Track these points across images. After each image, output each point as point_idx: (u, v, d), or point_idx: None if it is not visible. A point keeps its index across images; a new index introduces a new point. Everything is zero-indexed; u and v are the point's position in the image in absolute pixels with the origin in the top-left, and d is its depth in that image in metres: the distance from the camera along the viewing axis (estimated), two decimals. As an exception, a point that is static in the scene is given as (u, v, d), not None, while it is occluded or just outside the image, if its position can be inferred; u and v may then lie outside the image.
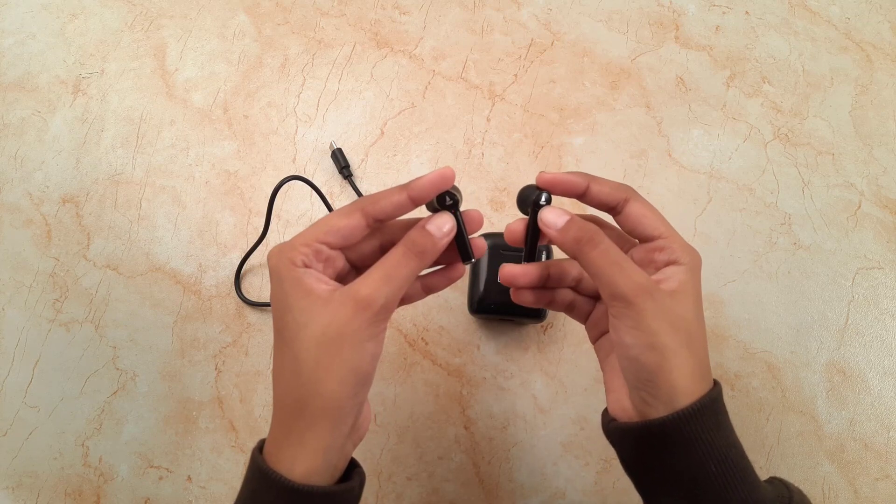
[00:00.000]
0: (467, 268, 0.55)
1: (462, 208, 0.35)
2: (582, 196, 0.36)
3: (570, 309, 0.41)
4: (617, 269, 0.32)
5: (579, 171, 0.37)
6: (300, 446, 0.32)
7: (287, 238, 0.61)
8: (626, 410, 0.35)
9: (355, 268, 0.37)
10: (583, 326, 0.41)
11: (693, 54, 0.66)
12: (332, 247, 0.33)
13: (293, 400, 0.32)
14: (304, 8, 0.69)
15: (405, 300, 0.38)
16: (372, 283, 0.32)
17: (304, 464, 0.32)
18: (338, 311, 0.31)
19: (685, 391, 0.32)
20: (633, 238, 0.37)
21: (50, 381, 0.58)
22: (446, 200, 0.34)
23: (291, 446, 0.32)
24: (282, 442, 0.33)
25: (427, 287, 0.38)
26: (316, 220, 0.37)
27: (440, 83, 0.66)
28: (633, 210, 0.35)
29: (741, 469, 0.33)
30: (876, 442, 0.55)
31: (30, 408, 0.57)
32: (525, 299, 0.39)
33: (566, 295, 0.40)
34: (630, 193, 0.36)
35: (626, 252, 0.36)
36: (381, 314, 0.31)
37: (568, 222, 0.34)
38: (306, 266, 0.33)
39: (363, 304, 0.31)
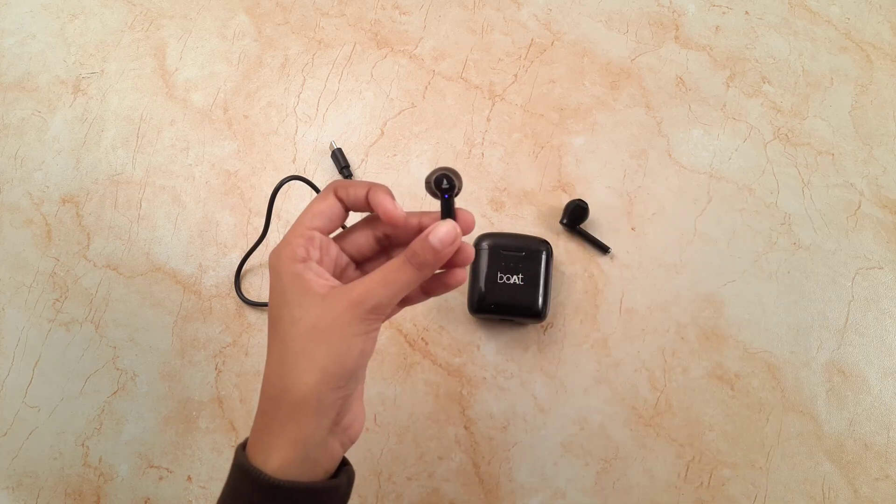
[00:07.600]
0: (467, 271, 0.55)
1: (459, 208, 0.35)
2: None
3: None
4: None
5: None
6: (277, 436, 0.32)
7: (287, 238, 0.61)
8: None
9: (355, 262, 0.37)
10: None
11: (693, 54, 0.66)
12: (322, 231, 0.34)
13: (276, 390, 0.33)
14: (304, 8, 0.69)
15: (406, 301, 0.38)
16: (368, 285, 0.32)
17: (280, 455, 0.32)
18: (332, 305, 0.32)
19: None
20: None
21: (50, 381, 0.58)
22: (443, 183, 0.34)
23: (269, 436, 0.33)
24: (261, 432, 0.33)
25: (426, 290, 0.38)
26: None
27: (440, 83, 0.66)
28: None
29: None
30: (876, 442, 0.55)
31: (30, 408, 0.57)
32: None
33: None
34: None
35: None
36: (374, 313, 0.32)
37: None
38: (305, 259, 0.33)
39: (355, 302, 0.32)
